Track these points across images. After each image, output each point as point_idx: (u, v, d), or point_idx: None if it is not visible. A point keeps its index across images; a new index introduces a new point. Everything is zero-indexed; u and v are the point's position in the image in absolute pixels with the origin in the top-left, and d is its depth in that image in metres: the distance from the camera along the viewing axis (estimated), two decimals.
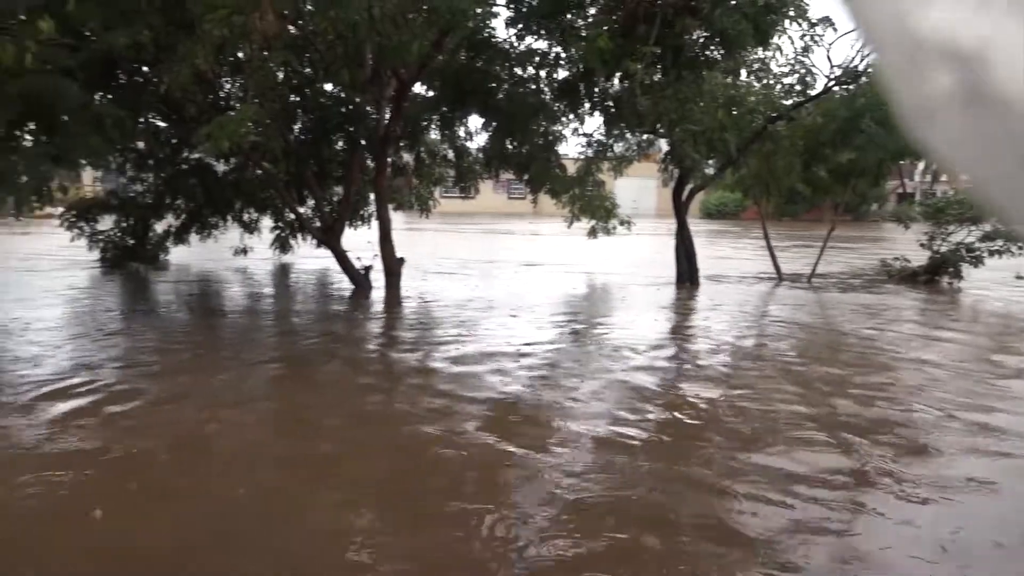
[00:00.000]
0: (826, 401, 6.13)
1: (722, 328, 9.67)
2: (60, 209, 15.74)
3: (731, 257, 19.62)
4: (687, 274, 13.91)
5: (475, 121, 13.71)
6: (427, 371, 7.08)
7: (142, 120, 11.91)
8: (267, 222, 16.31)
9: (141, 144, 13.76)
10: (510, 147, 13.06)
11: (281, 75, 11.13)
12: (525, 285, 13.64)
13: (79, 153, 9.31)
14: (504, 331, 9.02)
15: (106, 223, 15.41)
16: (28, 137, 9.97)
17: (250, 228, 16.31)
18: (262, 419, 5.74)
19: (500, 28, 14.62)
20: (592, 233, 13.06)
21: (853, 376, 7.05)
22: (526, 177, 13.29)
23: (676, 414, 5.73)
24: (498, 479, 4.45)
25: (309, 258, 15.99)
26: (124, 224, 15.35)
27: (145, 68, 10.68)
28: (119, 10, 9.11)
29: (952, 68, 0.26)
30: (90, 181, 28.59)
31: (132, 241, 15.34)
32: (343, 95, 12.54)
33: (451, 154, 15.16)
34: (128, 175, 15.18)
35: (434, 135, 14.92)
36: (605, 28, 9.95)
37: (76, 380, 6.46)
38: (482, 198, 19.38)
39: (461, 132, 14.41)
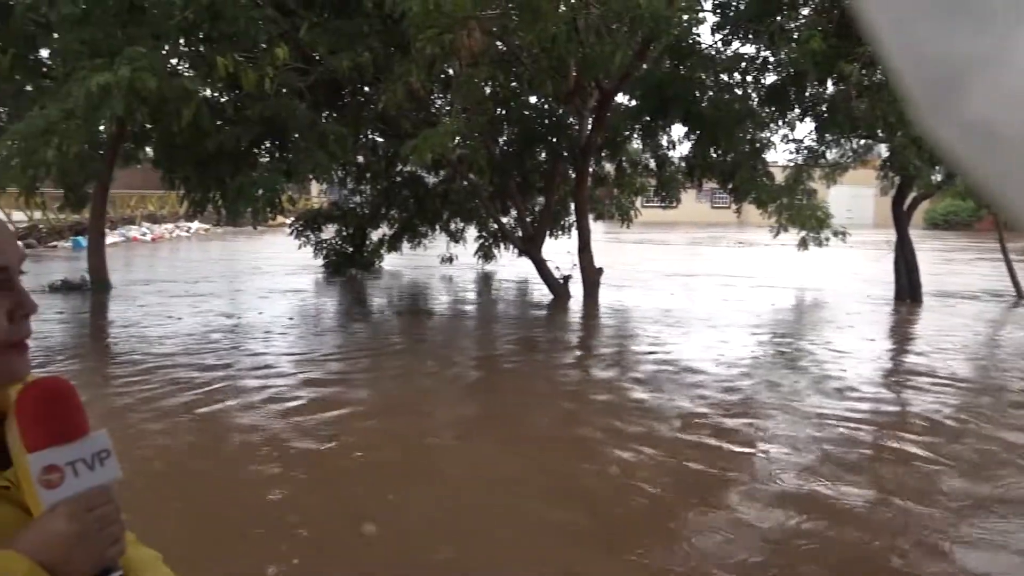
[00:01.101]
0: None
1: (949, 357, 8.58)
2: (290, 219, 17.27)
3: (961, 272, 17.85)
4: (907, 290, 12.81)
5: (678, 129, 13.45)
6: (620, 386, 6.99)
7: (362, 136, 12.80)
8: (472, 232, 16.93)
9: (360, 158, 14.77)
10: (714, 155, 12.68)
11: (488, 89, 11.52)
12: (727, 298, 13.18)
13: (307, 168, 10.13)
14: (702, 348, 8.72)
15: (329, 232, 16.70)
16: (264, 155, 11.02)
17: (456, 237, 17.02)
18: (461, 421, 5.92)
19: (705, 34, 14.27)
20: (802, 244, 12.36)
21: None
22: (730, 186, 12.83)
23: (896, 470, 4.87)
24: (686, 520, 4.30)
25: (511, 267, 16.41)
26: (344, 233, 16.54)
27: (365, 88, 11.45)
28: (344, 35, 9.83)
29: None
30: (316, 193, 31.15)
31: (351, 249, 16.49)
32: (546, 107, 12.78)
33: (652, 163, 14.97)
34: (349, 187, 16.37)
35: (636, 144, 14.81)
36: (819, 29, 9.42)
37: (298, 372, 7.02)
38: (684, 207, 19.03)
39: (663, 141, 14.19)
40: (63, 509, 0.83)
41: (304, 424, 5.56)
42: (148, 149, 13.86)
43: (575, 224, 13.38)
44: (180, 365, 7.41)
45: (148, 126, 11.12)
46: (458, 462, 4.96)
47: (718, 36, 11.58)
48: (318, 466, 4.75)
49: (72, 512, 0.83)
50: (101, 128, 10.42)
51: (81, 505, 0.84)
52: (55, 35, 10.14)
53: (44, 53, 11.98)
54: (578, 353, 8.88)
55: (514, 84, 12.38)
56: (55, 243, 23.09)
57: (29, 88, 12.28)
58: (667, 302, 12.48)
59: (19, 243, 0.92)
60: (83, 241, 19.98)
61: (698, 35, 11.97)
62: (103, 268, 12.96)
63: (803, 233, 12.14)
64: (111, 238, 18.48)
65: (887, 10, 0.28)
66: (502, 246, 16.42)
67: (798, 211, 11.94)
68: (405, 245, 16.83)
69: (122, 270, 15.37)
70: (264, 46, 9.67)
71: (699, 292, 13.96)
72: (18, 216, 26.44)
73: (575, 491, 4.39)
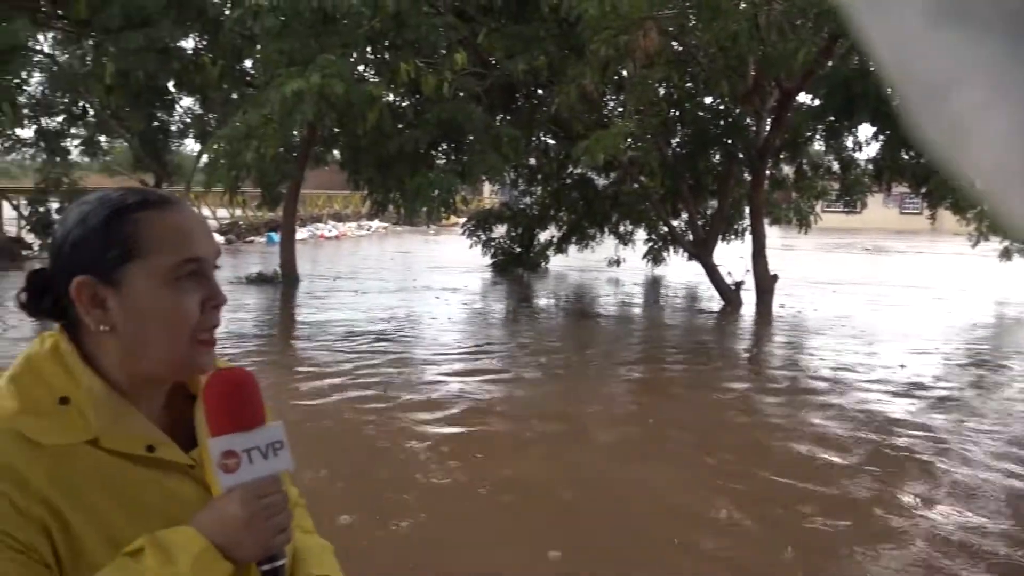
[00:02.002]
0: None
1: None
2: (463, 219, 17.80)
3: None
4: None
5: (865, 130, 12.65)
6: (793, 401, 6.65)
7: (534, 138, 12.97)
8: (641, 235, 16.72)
9: (532, 160, 14.98)
10: (905, 157, 11.82)
11: (661, 90, 11.34)
12: (914, 310, 12.23)
13: (481, 169, 10.40)
14: (884, 365, 8.13)
15: (498, 232, 17.05)
16: (441, 156, 11.42)
17: (625, 240, 16.87)
18: (624, 426, 5.85)
19: None
20: (1005, 255, 11.26)
21: None
22: (924, 190, 11.91)
23: None
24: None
25: (680, 271, 16.07)
26: (513, 233, 16.83)
27: (539, 90, 11.60)
28: (521, 39, 10.01)
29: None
30: (488, 194, 31.94)
31: (519, 249, 16.76)
32: (722, 107, 12.40)
33: (836, 166, 14.18)
34: (520, 188, 16.65)
35: (818, 146, 14.08)
36: None
37: (465, 371, 7.21)
38: (869, 213, 17.87)
39: (848, 142, 13.40)
40: (237, 494, 0.87)
41: (467, 434, 5.68)
42: (336, 152, 14.75)
43: (749, 228, 12.91)
44: (356, 354, 7.81)
45: (336, 130, 11.81)
46: (622, 480, 4.89)
47: None
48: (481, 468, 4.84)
49: (245, 497, 0.87)
50: (295, 132, 11.20)
51: (253, 492, 0.87)
52: (258, 47, 10.99)
53: (248, 64, 13.05)
54: (749, 365, 8.52)
55: (689, 84, 12.11)
56: (252, 239, 25.00)
57: (235, 96, 13.42)
58: (848, 312, 11.76)
59: (215, 238, 0.98)
60: (276, 237, 21.68)
61: None
62: (293, 262, 13.89)
63: (1006, 243, 11.06)
64: (300, 234, 19.78)
65: (880, 19, 0.30)
66: (672, 250, 16.10)
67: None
68: (572, 247, 16.90)
69: (310, 264, 16.42)
70: (444, 52, 10.03)
71: (883, 303, 13.05)
72: (222, 213, 28.98)
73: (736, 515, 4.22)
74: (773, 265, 12.14)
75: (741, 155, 12.40)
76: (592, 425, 5.79)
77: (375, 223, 30.66)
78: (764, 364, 8.46)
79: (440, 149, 11.38)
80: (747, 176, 13.22)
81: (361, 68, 10.52)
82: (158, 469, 0.92)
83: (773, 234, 14.70)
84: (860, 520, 4.03)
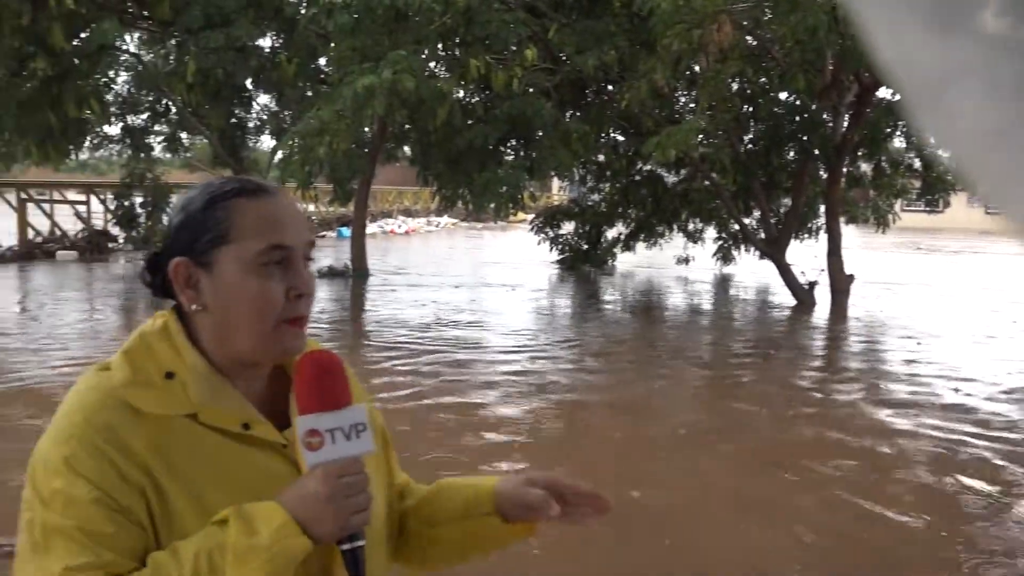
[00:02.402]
0: None
1: None
2: (530, 215, 17.81)
3: None
4: None
5: None
6: (870, 409, 6.43)
7: (603, 134, 12.88)
8: (711, 232, 16.45)
9: (601, 156, 14.88)
10: None
11: (734, 86, 11.13)
12: (1001, 314, 11.71)
13: (549, 165, 10.39)
14: (969, 370, 7.80)
15: (566, 228, 17.00)
16: (510, 152, 11.44)
17: (694, 238, 16.62)
18: (690, 435, 5.77)
19: None
20: None
21: None
22: None
23: None
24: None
25: (751, 270, 15.76)
26: (581, 230, 16.75)
27: (609, 86, 11.51)
28: (592, 35, 9.95)
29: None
30: (556, 191, 31.87)
31: (586, 246, 16.67)
32: (798, 103, 12.10)
33: (917, 163, 13.68)
34: (588, 185, 16.55)
35: (898, 142, 13.60)
36: None
37: (530, 365, 7.21)
38: (952, 212, 17.22)
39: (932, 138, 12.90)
40: (319, 471, 0.90)
41: (541, 426, 5.68)
42: (406, 148, 14.93)
43: (824, 227, 12.57)
44: (424, 350, 7.89)
45: (407, 126, 11.95)
46: (689, 481, 4.82)
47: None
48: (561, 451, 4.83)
49: (325, 475, 0.89)
50: (366, 128, 11.38)
51: (333, 470, 0.90)
52: (331, 44, 11.19)
53: (322, 61, 13.31)
54: (822, 368, 8.27)
55: (763, 80, 11.85)
56: (324, 233, 25.52)
57: (309, 93, 13.71)
58: (926, 315, 11.34)
59: (308, 229, 1.00)
60: (346, 232, 22.23)
61: None
62: (363, 257, 14.12)
63: None
64: (370, 229, 20.10)
65: (883, 20, 0.31)
66: (742, 248, 15.80)
67: None
68: (640, 244, 16.73)
69: (379, 259, 16.65)
70: (514, 48, 10.04)
71: (966, 306, 12.54)
72: None
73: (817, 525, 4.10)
74: (849, 265, 11.80)
75: (817, 152, 12.06)
76: (659, 423, 5.72)
77: (444, 219, 30.95)
78: (835, 367, 8.22)
79: (509, 145, 11.40)
80: (823, 173, 12.87)
81: (432, 64, 10.61)
82: (252, 446, 0.96)
83: (849, 233, 14.26)
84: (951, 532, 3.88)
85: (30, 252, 16.58)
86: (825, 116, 11.87)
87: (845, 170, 12.75)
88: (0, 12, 10.30)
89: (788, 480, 4.60)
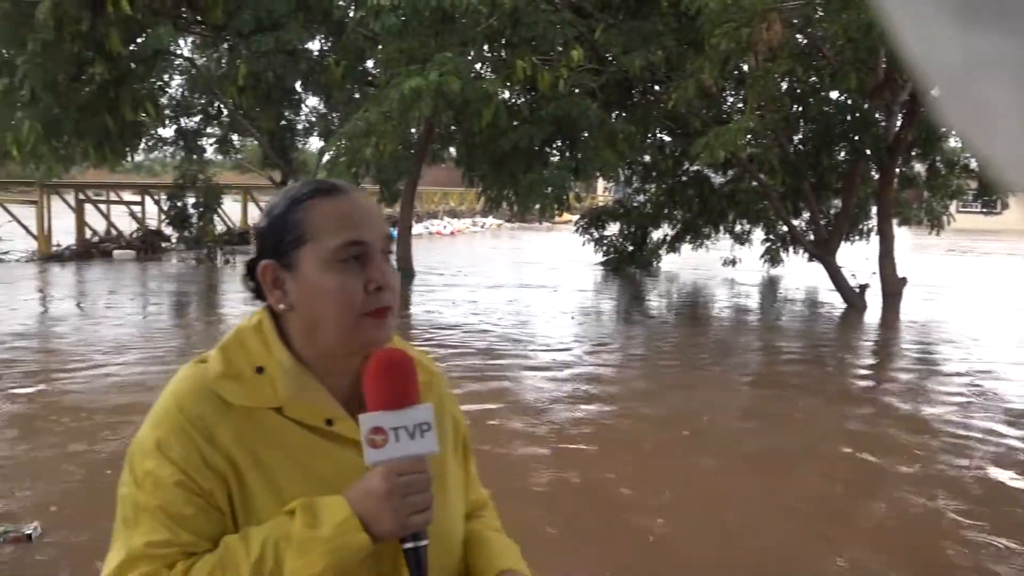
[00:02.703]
0: None
1: None
2: (575, 216, 17.75)
3: None
4: None
5: None
6: (925, 420, 6.27)
7: (649, 135, 12.78)
8: (758, 234, 16.23)
9: (647, 157, 14.77)
10: None
11: (784, 85, 10.96)
12: None
13: (595, 166, 10.34)
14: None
15: (611, 230, 16.91)
16: (555, 153, 11.42)
17: (741, 239, 16.41)
18: (740, 454, 5.69)
19: None
20: None
21: None
22: None
23: None
24: None
25: (800, 272, 15.51)
26: (626, 231, 16.65)
27: (656, 86, 11.43)
28: (638, 35, 9.89)
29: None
30: (601, 192, 31.75)
31: (631, 247, 16.57)
32: (849, 102, 11.86)
33: (973, 163, 13.30)
34: (634, 186, 16.44)
35: (953, 142, 13.25)
36: None
37: (573, 368, 7.19)
38: (1011, 214, 16.68)
39: None
40: (381, 469, 0.92)
41: (574, 435, 5.66)
42: (452, 149, 15.00)
43: (875, 229, 12.31)
44: (470, 351, 7.92)
45: (452, 127, 12.01)
46: (737, 501, 4.75)
47: None
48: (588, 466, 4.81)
49: (387, 473, 0.92)
50: (412, 129, 11.46)
51: (394, 468, 0.92)
52: (379, 46, 11.30)
53: (370, 64, 13.45)
54: (873, 375, 8.04)
55: (813, 79, 11.65)
56: None
57: (357, 96, 13.86)
58: (982, 320, 11.03)
59: (384, 224, 1.04)
60: (393, 232, 22.20)
61: None
62: (409, 257, 14.22)
63: None
64: (416, 230, 20.22)
65: (905, 9, 0.31)
66: (791, 250, 15.54)
67: None
68: (686, 246, 16.56)
69: (425, 259, 16.77)
70: (560, 48, 10.02)
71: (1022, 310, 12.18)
72: None
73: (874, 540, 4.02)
74: (901, 268, 11.54)
75: (869, 152, 11.81)
76: (705, 431, 5.66)
77: (489, 219, 31.03)
78: (887, 374, 8.03)
79: (555, 146, 11.38)
80: (875, 174, 12.61)
81: (478, 66, 10.64)
82: (334, 442, 0.99)
83: (902, 235, 13.94)
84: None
85: (87, 251, 17.07)
86: (877, 115, 11.62)
87: (898, 170, 12.47)
88: (61, 18, 10.61)
89: (846, 490, 4.51)
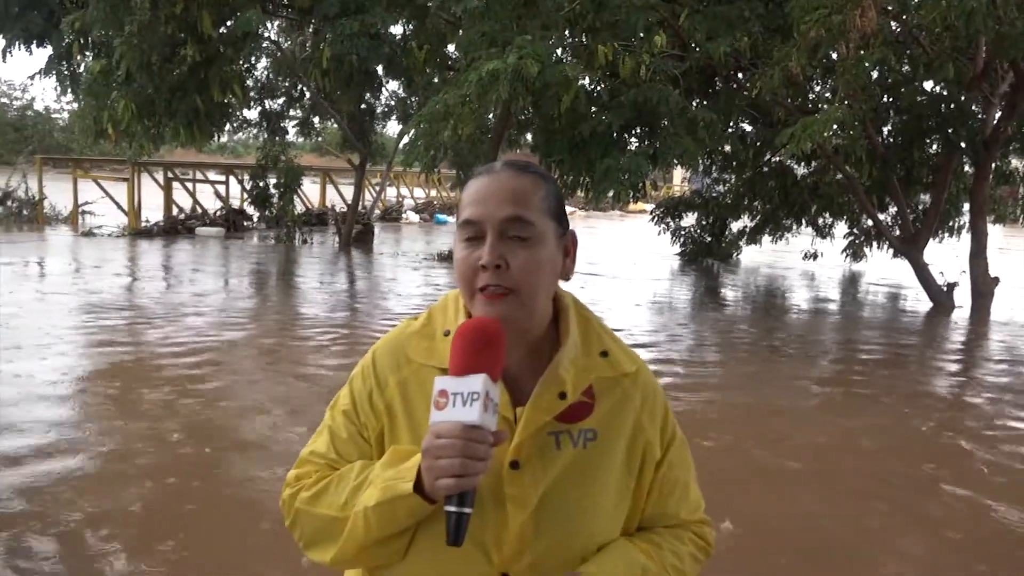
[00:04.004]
0: None
1: None
2: (650, 205, 17.54)
3: None
4: None
5: None
6: (1007, 432, 6.00)
7: (731, 124, 12.50)
8: (841, 228, 15.75)
9: (727, 147, 14.47)
10: None
11: (875, 74, 10.58)
12: None
13: (674, 153, 10.15)
14: None
15: (688, 220, 16.65)
16: (633, 140, 11.27)
17: (823, 233, 15.96)
18: (814, 455, 5.55)
19: None
20: None
21: None
22: None
23: None
24: None
25: (883, 269, 15.01)
26: (704, 222, 16.37)
27: (740, 74, 11.16)
28: (724, 20, 9.66)
29: None
30: (678, 181, 31.27)
31: (709, 238, 16.29)
32: (944, 93, 11.37)
33: None
34: (713, 176, 16.14)
35: None
36: None
37: (653, 358, 7.12)
38: None
39: None
40: (432, 429, 0.95)
41: None
42: (528, 135, 14.97)
43: (967, 226, 11.81)
44: None
45: (530, 111, 11.97)
46: (815, 508, 4.64)
47: None
48: None
49: (431, 434, 0.95)
50: (490, 113, 11.46)
51: (435, 430, 0.94)
52: (460, 31, 11.33)
53: (451, 48, 13.51)
54: (959, 379, 7.72)
55: (907, 68, 11.20)
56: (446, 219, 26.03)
57: (436, 80, 13.95)
58: None
59: (509, 206, 1.03)
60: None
61: None
62: None
63: None
64: None
65: None
66: (875, 245, 15.05)
67: None
68: (766, 238, 16.20)
69: None
70: (643, 34, 9.86)
71: None
72: (419, 193, 30.36)
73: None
74: (994, 267, 11.05)
75: (963, 145, 11.30)
76: (778, 436, 5.54)
77: None
78: (973, 378, 7.71)
79: (633, 132, 11.23)
80: (968, 168, 12.08)
81: (559, 50, 10.57)
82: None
83: (996, 233, 13.33)
84: None
85: (173, 227, 17.71)
86: (974, 107, 11.12)
87: (994, 166, 11.92)
88: (157, 1, 10.97)
89: (932, 501, 4.36)
